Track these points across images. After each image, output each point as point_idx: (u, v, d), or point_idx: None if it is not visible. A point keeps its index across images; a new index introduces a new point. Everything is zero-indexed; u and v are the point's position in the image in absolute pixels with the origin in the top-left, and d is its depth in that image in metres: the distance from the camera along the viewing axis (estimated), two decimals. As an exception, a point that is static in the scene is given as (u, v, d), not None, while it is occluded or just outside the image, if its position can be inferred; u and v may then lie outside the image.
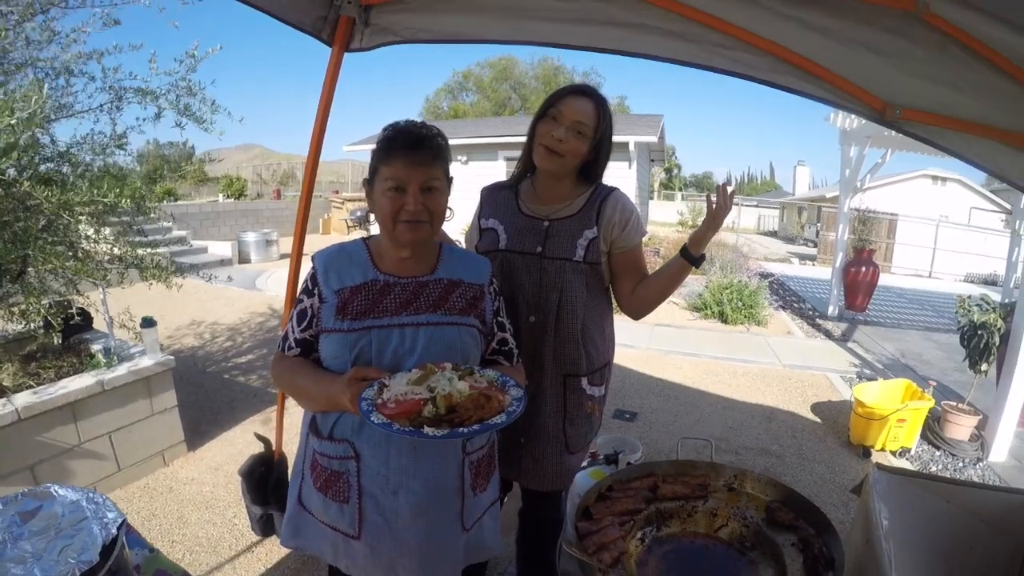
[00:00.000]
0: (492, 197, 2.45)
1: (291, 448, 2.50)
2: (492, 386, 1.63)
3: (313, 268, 1.82)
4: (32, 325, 4.07)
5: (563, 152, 2.15)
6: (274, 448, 2.83)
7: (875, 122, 2.30)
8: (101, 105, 3.85)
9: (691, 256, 2.15)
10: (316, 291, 1.78)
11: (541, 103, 2.27)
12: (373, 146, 1.80)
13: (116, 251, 4.16)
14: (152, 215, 4.55)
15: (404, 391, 1.54)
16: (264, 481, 2.72)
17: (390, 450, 1.74)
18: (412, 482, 1.76)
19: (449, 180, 1.81)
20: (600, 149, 2.24)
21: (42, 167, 3.61)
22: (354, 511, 1.79)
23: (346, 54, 2.61)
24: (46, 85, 3.66)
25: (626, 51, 2.46)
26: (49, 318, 3.91)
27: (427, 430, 1.45)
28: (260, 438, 2.79)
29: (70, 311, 4.28)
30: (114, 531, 1.37)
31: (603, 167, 2.33)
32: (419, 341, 1.74)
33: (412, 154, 1.68)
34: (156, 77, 3.85)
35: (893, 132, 8.88)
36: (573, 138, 2.14)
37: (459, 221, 2.16)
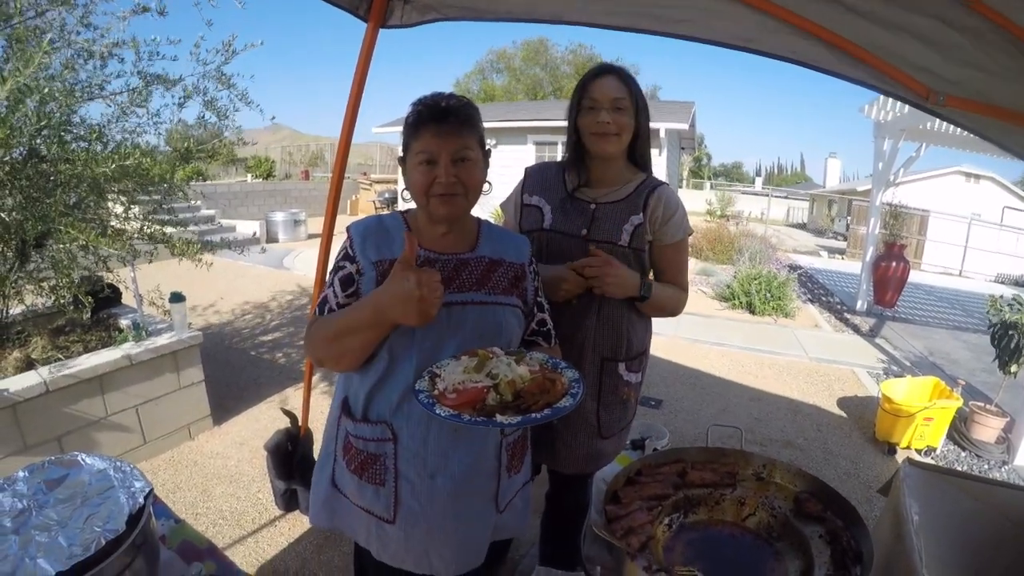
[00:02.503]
0: (540, 175, 2.43)
1: (316, 424, 2.50)
2: (544, 368, 1.60)
3: (349, 238, 1.78)
4: (62, 301, 4.11)
5: (615, 132, 2.13)
6: (300, 424, 2.83)
7: (919, 108, 2.26)
8: (132, 89, 3.86)
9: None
10: (355, 259, 1.74)
11: (572, 95, 2.25)
12: (401, 128, 1.77)
13: (146, 229, 4.19)
14: (180, 194, 4.58)
15: (461, 379, 1.50)
16: (289, 456, 2.72)
17: (429, 432, 1.72)
18: (450, 465, 1.74)
19: (486, 151, 1.77)
20: (639, 122, 2.21)
21: (72, 145, 3.63)
22: (390, 494, 1.77)
23: (382, 31, 2.58)
24: (78, 68, 3.69)
25: (670, 33, 2.42)
26: (78, 295, 3.94)
27: (499, 418, 1.42)
28: (286, 413, 2.80)
29: (99, 287, 4.32)
30: (141, 500, 1.37)
31: (647, 145, 2.30)
32: (467, 320, 1.71)
33: (440, 125, 1.64)
34: (188, 65, 3.88)
35: (928, 126, 8.85)
36: (620, 116, 2.12)
37: (488, 203, 2.13)
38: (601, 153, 2.20)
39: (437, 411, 1.42)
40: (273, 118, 4.23)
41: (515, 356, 1.59)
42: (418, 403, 1.50)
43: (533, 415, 1.44)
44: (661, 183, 2.29)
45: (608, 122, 2.11)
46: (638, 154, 2.30)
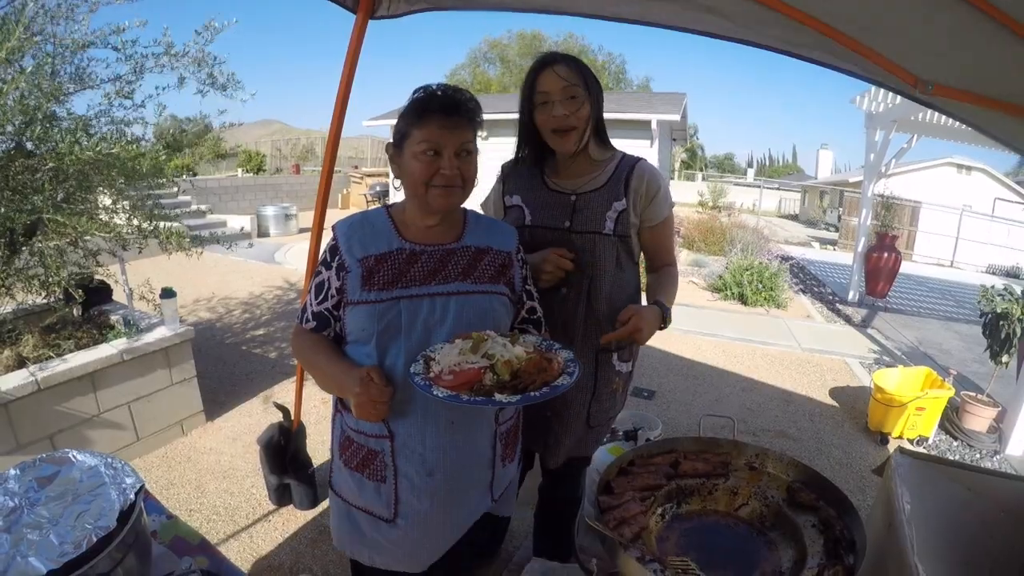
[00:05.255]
0: (516, 172, 2.39)
1: (309, 418, 2.50)
2: (538, 350, 1.60)
3: (334, 238, 1.77)
4: (52, 298, 4.10)
5: (573, 124, 2.09)
6: (292, 418, 2.83)
7: (908, 98, 2.25)
8: (119, 76, 3.85)
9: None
10: (336, 262, 1.73)
11: (521, 92, 2.21)
12: (393, 121, 1.75)
13: (135, 221, 4.17)
14: (171, 187, 4.58)
15: (457, 361, 1.50)
16: (282, 451, 2.72)
17: (426, 428, 1.72)
18: (448, 460, 1.75)
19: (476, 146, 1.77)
20: (594, 104, 2.16)
21: (58, 140, 3.61)
22: (390, 492, 1.78)
23: (371, 22, 2.56)
24: (61, 59, 3.68)
25: (660, 23, 2.41)
26: (69, 289, 3.93)
27: (498, 397, 1.42)
28: (279, 407, 2.79)
29: (89, 281, 4.30)
30: (132, 497, 1.36)
31: (602, 122, 2.26)
32: (450, 311, 1.70)
33: (448, 117, 1.63)
34: (171, 48, 3.89)
35: (919, 117, 8.83)
36: (574, 107, 2.08)
37: (476, 195, 2.11)
38: (563, 149, 2.16)
39: (434, 392, 1.42)
40: (254, 94, 4.25)
41: (509, 338, 1.59)
42: (413, 392, 1.52)
43: (531, 393, 1.44)
44: (638, 159, 2.26)
45: (565, 114, 2.07)
46: (602, 134, 2.26)
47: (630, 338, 1.98)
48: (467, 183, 1.72)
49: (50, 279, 3.83)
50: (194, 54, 3.93)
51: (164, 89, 3.98)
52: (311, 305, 1.79)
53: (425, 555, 1.87)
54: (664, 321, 2.09)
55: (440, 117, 1.63)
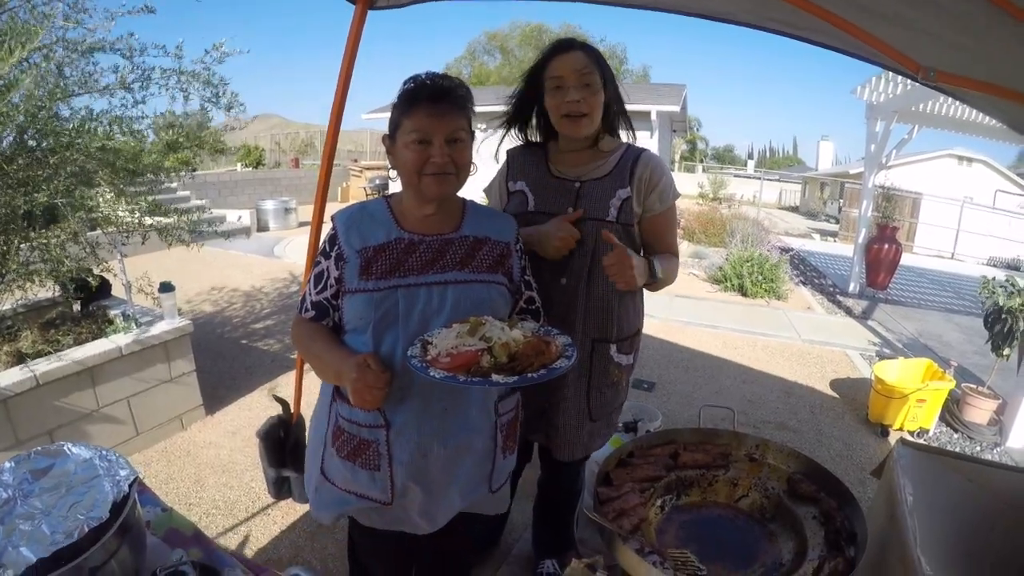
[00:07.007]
0: (520, 159, 2.39)
1: (309, 411, 2.48)
2: (536, 335, 1.60)
3: (333, 228, 1.79)
4: (55, 291, 4.09)
5: (585, 111, 2.08)
6: (292, 410, 2.82)
7: (917, 82, 2.24)
8: (127, 84, 3.86)
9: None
10: (335, 252, 1.74)
11: (530, 75, 2.22)
12: (392, 105, 1.76)
13: (136, 215, 4.17)
14: (172, 182, 4.60)
15: (454, 344, 1.50)
16: (281, 443, 2.72)
17: (422, 416, 1.73)
18: (443, 446, 1.76)
19: (472, 133, 1.77)
20: (608, 93, 2.16)
21: (63, 139, 3.61)
22: (386, 478, 1.78)
23: (371, 12, 2.54)
24: (69, 61, 3.69)
25: (660, 7, 2.39)
26: (84, 275, 3.93)
27: (495, 378, 1.42)
28: (278, 399, 2.79)
29: (89, 274, 4.30)
30: (126, 488, 1.36)
31: (619, 115, 2.27)
32: (447, 300, 1.71)
33: (436, 105, 1.64)
34: (181, 64, 3.94)
35: (920, 108, 8.77)
36: (588, 94, 2.07)
37: (477, 184, 2.10)
38: (575, 135, 2.15)
39: (431, 373, 1.42)
40: (251, 116, 4.33)
41: (507, 322, 1.60)
42: (409, 380, 1.54)
43: (529, 375, 1.44)
44: (643, 149, 2.26)
45: (577, 100, 2.06)
46: (611, 124, 2.26)
47: (612, 262, 1.95)
48: (460, 170, 1.72)
49: (57, 271, 3.84)
50: (199, 71, 3.97)
51: (165, 89, 4.02)
52: (310, 294, 1.81)
53: (425, 524, 1.89)
54: (651, 276, 2.09)
55: (428, 105, 1.64)
